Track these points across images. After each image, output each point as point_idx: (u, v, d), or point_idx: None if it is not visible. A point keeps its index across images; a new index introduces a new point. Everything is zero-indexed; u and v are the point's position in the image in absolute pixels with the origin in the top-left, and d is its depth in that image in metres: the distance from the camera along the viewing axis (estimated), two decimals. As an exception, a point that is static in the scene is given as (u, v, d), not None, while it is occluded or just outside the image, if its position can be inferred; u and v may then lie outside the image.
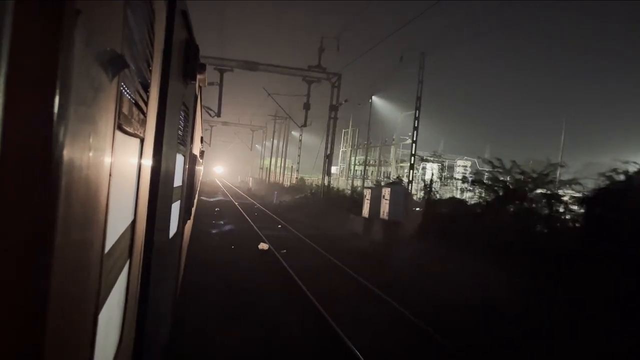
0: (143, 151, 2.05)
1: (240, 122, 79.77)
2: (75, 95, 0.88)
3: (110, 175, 1.33)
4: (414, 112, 27.58)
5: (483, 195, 19.77)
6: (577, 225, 14.85)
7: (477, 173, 25.64)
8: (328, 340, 8.69)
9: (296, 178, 57.86)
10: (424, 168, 40.01)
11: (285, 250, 17.95)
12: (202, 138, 12.83)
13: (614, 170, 13.42)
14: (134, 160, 1.96)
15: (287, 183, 60.45)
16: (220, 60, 32.84)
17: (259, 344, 8.39)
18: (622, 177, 13.25)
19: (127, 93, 1.52)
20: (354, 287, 13.20)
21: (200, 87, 6.33)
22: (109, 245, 1.44)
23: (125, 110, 1.46)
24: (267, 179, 71.65)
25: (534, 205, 16.54)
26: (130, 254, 1.97)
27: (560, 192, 16.95)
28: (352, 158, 57.40)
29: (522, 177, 18.02)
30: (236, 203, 42.12)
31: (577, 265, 11.75)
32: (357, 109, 46.32)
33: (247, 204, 43.15)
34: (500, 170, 18.79)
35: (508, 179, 18.41)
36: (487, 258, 13.96)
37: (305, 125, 38.37)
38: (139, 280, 2.33)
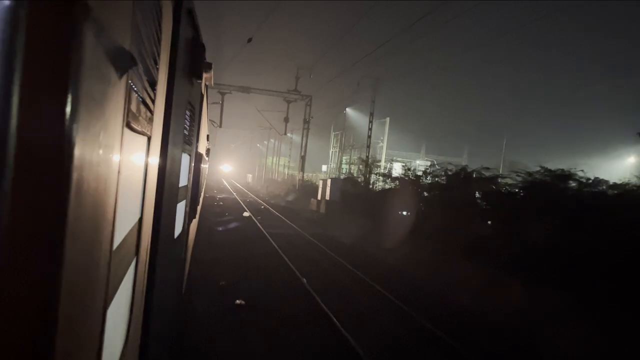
0: (150, 149, 1.81)
1: (241, 127, 79.45)
2: (86, 93, 0.77)
3: (119, 172, 1.17)
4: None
5: (394, 184, 23.95)
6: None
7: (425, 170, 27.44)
8: (270, 246, 15.72)
9: (287, 174, 58.90)
10: (391, 167, 41.66)
11: (260, 217, 24.88)
12: (208, 136, 11.20)
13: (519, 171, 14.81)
14: (142, 158, 1.72)
15: (279, 179, 60.93)
16: (221, 85, 35.84)
17: (242, 239, 16.91)
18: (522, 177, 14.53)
19: (135, 91, 1.33)
20: (295, 232, 20.42)
21: (206, 85, 5.64)
22: (117, 241, 1.27)
23: (133, 108, 1.28)
24: (263, 175, 71.27)
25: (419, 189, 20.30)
26: (137, 251, 1.74)
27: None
28: (340, 158, 57.49)
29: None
30: (234, 194, 45.23)
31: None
32: (338, 117, 48.49)
33: (242, 193, 48.31)
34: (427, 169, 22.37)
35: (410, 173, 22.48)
36: (367, 217, 20.65)
37: (285, 134, 42.49)
38: (145, 277, 2.07)
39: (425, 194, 19.24)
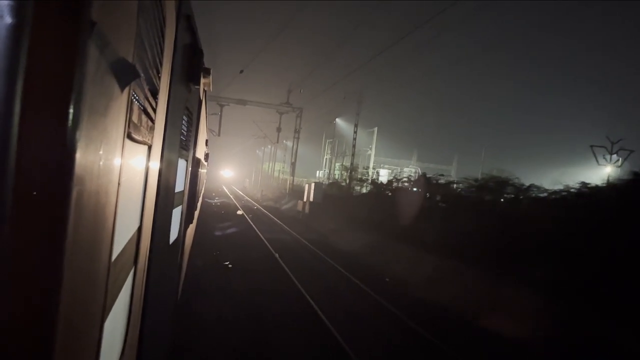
0: (150, 158, 1.68)
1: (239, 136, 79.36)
2: (88, 106, 0.73)
3: (119, 184, 1.10)
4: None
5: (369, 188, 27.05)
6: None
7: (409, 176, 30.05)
8: (255, 234, 18.95)
9: (281, 179, 59.38)
10: (378, 172, 42.36)
11: (251, 215, 27.16)
12: (207, 141, 10.75)
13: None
14: (142, 168, 1.61)
15: (274, 183, 60.98)
16: (219, 98, 37.22)
17: (235, 230, 19.67)
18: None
19: (137, 101, 1.26)
20: (278, 226, 23.32)
21: (205, 91, 5.29)
22: (116, 252, 1.19)
23: (134, 118, 1.21)
24: (260, 180, 70.85)
25: (388, 192, 23.15)
26: (135, 261, 1.63)
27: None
28: (333, 164, 57.66)
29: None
30: (231, 196, 45.71)
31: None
32: (330, 127, 49.73)
33: (238, 196, 49.26)
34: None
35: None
36: (342, 215, 23.27)
37: (277, 142, 45.77)
38: (142, 287, 1.91)
39: (389, 194, 22.50)
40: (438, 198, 17.90)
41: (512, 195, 14.44)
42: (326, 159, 63.80)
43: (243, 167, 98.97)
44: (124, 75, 0.99)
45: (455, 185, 18.67)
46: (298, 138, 41.51)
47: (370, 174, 34.38)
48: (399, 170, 41.63)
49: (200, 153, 6.54)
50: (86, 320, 0.92)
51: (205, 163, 11.34)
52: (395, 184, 23.32)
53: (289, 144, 56.45)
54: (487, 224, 12.44)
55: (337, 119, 46.95)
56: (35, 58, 0.62)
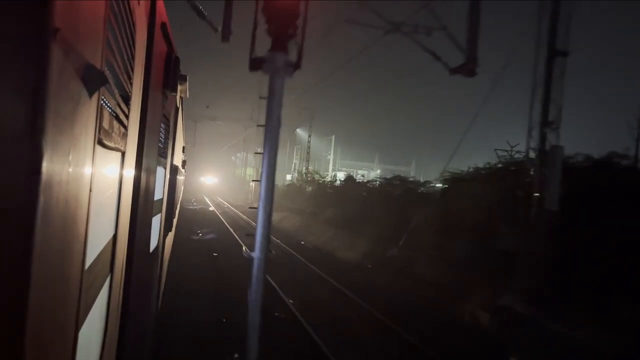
0: (124, 165, 1.50)
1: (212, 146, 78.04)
2: (54, 111, 0.64)
3: (90, 190, 0.96)
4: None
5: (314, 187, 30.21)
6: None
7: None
8: (220, 220, 23.20)
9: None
10: (335, 175, 42.92)
11: (220, 211, 30.59)
12: (184, 148, 9.86)
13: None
14: (115, 175, 1.43)
15: (246, 186, 60.50)
16: (194, 114, 39.83)
17: (206, 219, 23.57)
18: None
19: (108, 107, 1.10)
20: (238, 217, 27.17)
21: (182, 98, 4.80)
22: (89, 261, 1.04)
23: (105, 124, 1.06)
24: (234, 185, 69.59)
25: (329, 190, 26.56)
26: (111, 269, 1.43)
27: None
28: (300, 168, 57.52)
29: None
30: (206, 198, 45.97)
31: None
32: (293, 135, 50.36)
33: (213, 198, 49.43)
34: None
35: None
36: (294, 212, 25.75)
37: (244, 151, 48.54)
38: (120, 296, 1.70)
39: (330, 191, 25.97)
40: (364, 193, 21.04)
41: (410, 187, 17.91)
42: (295, 163, 63.69)
43: (221, 171, 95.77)
44: (92, 80, 0.87)
45: (376, 183, 22.76)
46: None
47: (329, 176, 36.23)
48: (355, 173, 42.49)
49: (178, 160, 6.06)
50: (58, 329, 0.81)
51: (183, 170, 10.59)
52: (333, 183, 27.57)
53: (260, 149, 55.80)
54: (380, 208, 16.23)
55: (298, 129, 47.25)
56: None
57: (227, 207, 36.14)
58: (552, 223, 7.94)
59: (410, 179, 19.32)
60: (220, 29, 4.19)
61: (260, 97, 4.21)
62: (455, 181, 13.03)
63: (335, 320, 7.85)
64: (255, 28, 2.94)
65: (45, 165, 0.60)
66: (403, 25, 9.31)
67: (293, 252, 14.99)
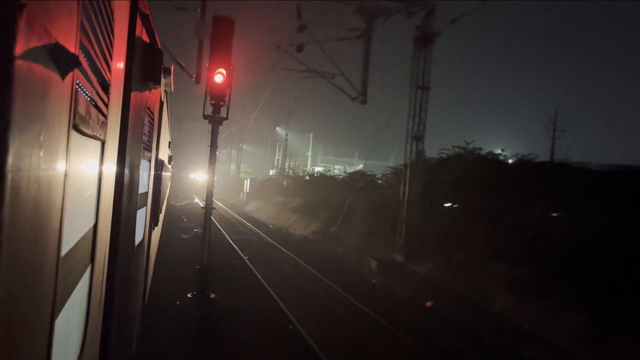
0: (104, 154, 1.42)
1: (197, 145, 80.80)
2: (22, 90, 0.59)
3: (65, 175, 0.89)
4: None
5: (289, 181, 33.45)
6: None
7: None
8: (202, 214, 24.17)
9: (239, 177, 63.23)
10: (313, 169, 46.48)
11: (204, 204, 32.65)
12: (169, 143, 9.54)
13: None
14: (95, 163, 1.35)
15: (230, 181, 64.02)
16: (178, 116, 42.74)
17: (192, 207, 27.17)
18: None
19: (85, 92, 1.04)
20: (220, 208, 27.29)
21: (166, 91, 4.77)
22: (65, 248, 0.97)
23: (81, 109, 0.98)
24: (222, 180, 72.48)
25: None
26: (92, 258, 1.37)
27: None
28: (282, 164, 59.74)
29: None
30: (193, 194, 47.46)
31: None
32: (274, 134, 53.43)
33: (202, 195, 52.78)
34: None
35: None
36: (266, 200, 29.95)
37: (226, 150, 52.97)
38: (103, 287, 1.64)
39: (302, 184, 28.92)
40: (326, 185, 24.31)
41: (368, 180, 20.67)
42: (277, 159, 66.00)
43: (218, 170, 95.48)
44: (64, 61, 0.84)
45: (340, 176, 26.47)
46: (242, 147, 49.46)
47: (307, 171, 39.34)
48: (332, 168, 46.84)
49: (163, 154, 5.90)
50: (31, 315, 0.78)
51: (169, 166, 10.54)
52: (304, 177, 31.33)
53: (246, 147, 59.56)
54: (335, 197, 19.39)
55: (277, 128, 49.85)
56: None
57: (221, 207, 37.45)
58: (420, 202, 11.98)
59: (369, 173, 22.10)
60: (194, 76, 7.82)
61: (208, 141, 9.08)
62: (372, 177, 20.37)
63: (270, 264, 12.00)
64: (205, 98, 7.19)
65: (11, 143, 0.58)
66: (317, 71, 13.77)
67: (259, 231, 19.28)
